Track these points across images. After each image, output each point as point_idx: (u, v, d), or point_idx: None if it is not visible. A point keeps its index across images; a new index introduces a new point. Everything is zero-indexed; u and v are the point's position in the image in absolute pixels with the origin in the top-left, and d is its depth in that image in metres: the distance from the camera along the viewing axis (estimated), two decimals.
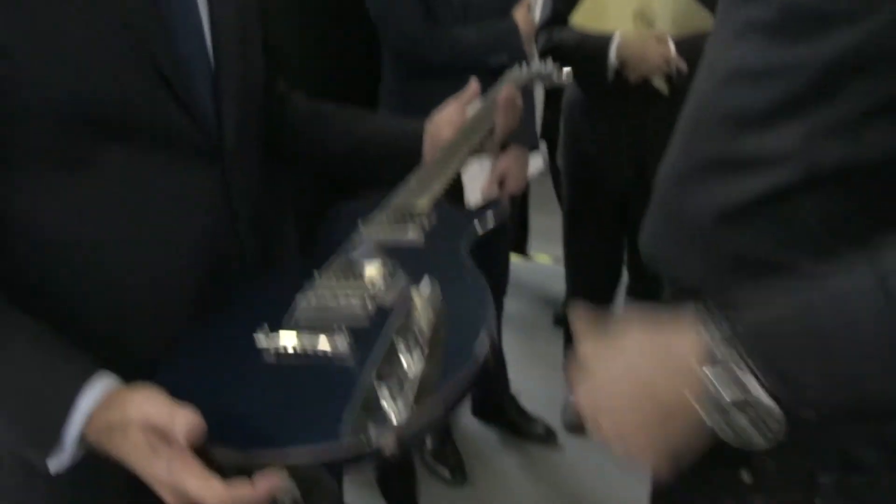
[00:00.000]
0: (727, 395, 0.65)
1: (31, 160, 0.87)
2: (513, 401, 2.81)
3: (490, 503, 2.50)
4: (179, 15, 0.94)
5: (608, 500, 2.44)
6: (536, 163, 2.35)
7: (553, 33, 2.19)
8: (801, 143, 0.74)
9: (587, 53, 2.13)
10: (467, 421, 2.86)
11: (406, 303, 0.84)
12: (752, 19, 0.79)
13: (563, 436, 2.76)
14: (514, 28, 2.12)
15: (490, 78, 1.59)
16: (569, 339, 2.86)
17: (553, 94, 2.36)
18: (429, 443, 2.64)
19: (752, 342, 0.65)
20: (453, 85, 1.80)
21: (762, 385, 0.65)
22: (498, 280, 2.56)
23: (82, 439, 0.79)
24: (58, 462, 0.81)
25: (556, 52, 2.17)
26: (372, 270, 0.92)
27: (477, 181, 2.11)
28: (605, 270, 2.63)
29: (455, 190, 1.74)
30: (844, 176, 0.72)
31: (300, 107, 1.26)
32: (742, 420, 0.66)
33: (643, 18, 2.14)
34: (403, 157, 1.20)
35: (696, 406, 0.67)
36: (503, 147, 2.26)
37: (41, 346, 0.84)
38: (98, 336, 0.92)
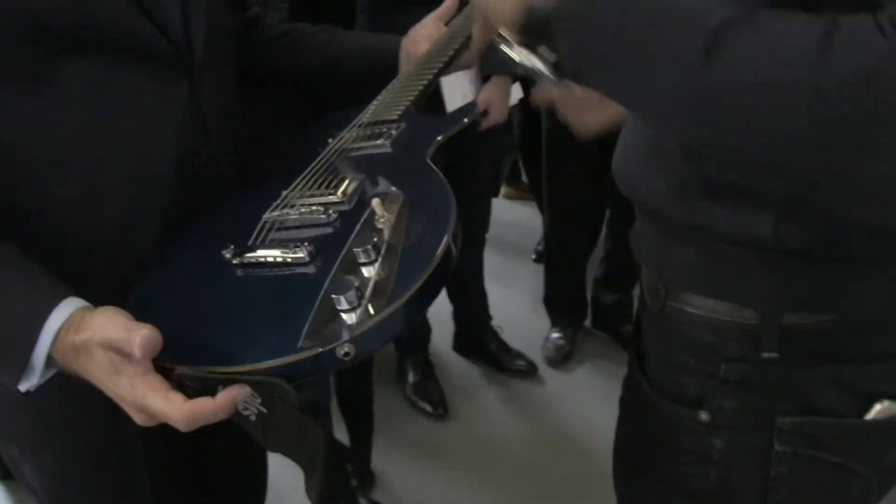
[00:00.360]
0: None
1: None
2: (494, 335, 2.81)
3: (473, 437, 2.52)
4: None
5: (589, 431, 2.46)
6: (517, 92, 2.30)
7: None
8: None
9: None
10: (449, 356, 2.87)
11: (367, 209, 0.83)
12: None
13: (544, 370, 2.77)
14: None
15: None
16: (549, 274, 2.85)
17: None
18: (411, 377, 2.64)
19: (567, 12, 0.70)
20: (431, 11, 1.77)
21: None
22: (478, 215, 2.54)
23: (50, 360, 0.79)
24: (27, 382, 0.81)
25: None
26: (338, 182, 0.91)
27: (456, 90, 2.08)
28: (588, 204, 2.61)
29: (434, 102, 1.70)
30: None
31: (273, 26, 1.23)
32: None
33: None
34: (378, 73, 1.18)
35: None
36: (485, 79, 2.22)
37: (10, 267, 0.83)
38: (69, 252, 0.92)
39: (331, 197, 0.88)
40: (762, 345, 0.79)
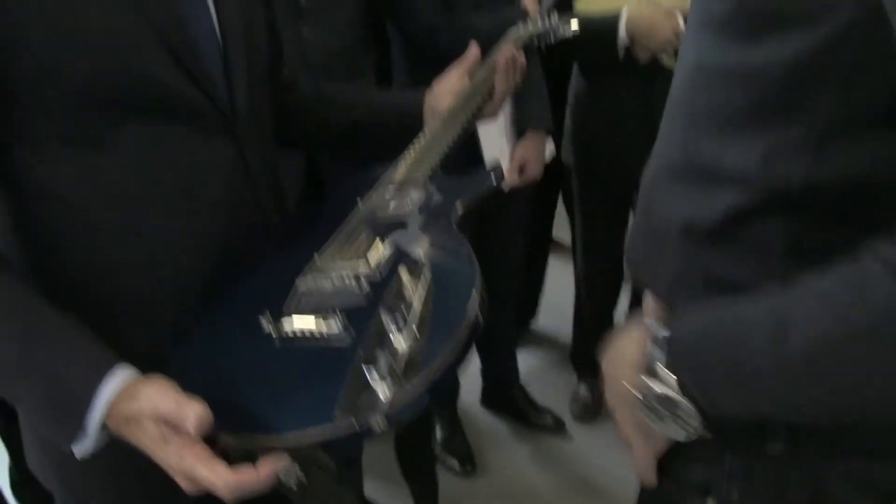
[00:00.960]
0: (655, 392, 0.74)
1: (50, 138, 0.89)
2: (522, 391, 2.81)
3: (501, 493, 2.51)
4: (189, 4, 0.96)
5: (617, 488, 2.44)
6: (551, 147, 2.34)
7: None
8: (760, 162, 0.70)
9: (596, 33, 2.13)
10: (477, 411, 2.87)
11: (396, 279, 0.86)
12: (712, 11, 0.74)
13: (572, 425, 2.77)
14: (524, 14, 2.13)
15: None
16: (577, 330, 2.86)
17: (555, 91, 2.35)
18: (439, 433, 2.64)
19: (674, 348, 0.73)
20: None
21: (681, 387, 0.72)
22: (509, 270, 2.56)
23: (104, 427, 0.83)
24: (82, 448, 0.84)
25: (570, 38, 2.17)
26: (367, 248, 0.94)
27: (493, 143, 2.12)
28: (617, 262, 2.62)
29: (470, 152, 1.71)
30: (806, 198, 0.69)
31: (304, 90, 1.27)
32: (667, 414, 0.74)
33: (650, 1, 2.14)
34: (404, 129, 1.20)
35: (635, 400, 0.76)
36: (520, 133, 2.27)
37: (63, 330, 0.86)
38: (115, 311, 0.95)
39: (361, 266, 0.91)
40: (768, 437, 0.77)
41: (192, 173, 0.97)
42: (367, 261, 0.92)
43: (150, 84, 0.91)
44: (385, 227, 1.00)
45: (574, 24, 1.56)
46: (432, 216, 1.01)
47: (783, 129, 0.68)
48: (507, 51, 1.25)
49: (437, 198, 1.04)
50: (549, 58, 2.27)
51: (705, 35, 0.76)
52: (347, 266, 0.92)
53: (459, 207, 1.02)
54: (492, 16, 2.08)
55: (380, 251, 0.93)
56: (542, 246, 3.15)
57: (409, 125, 1.21)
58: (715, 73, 0.74)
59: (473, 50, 1.27)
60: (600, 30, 2.12)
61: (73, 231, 0.93)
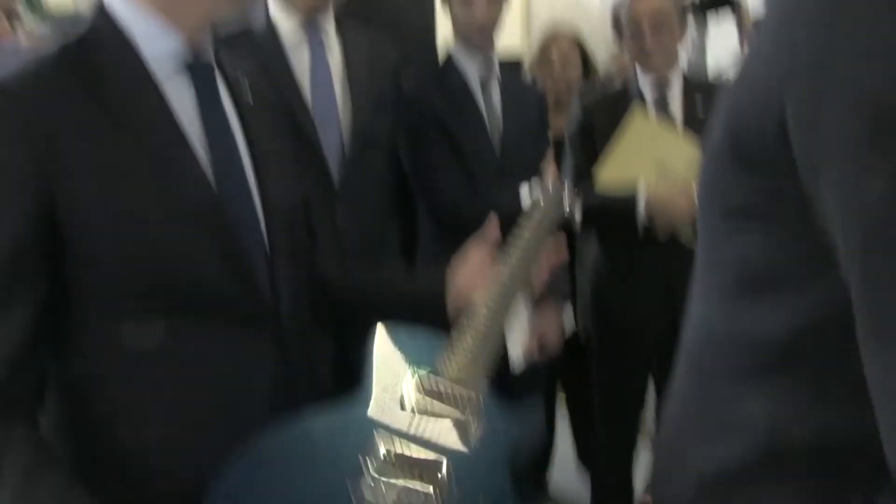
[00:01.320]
0: None
1: (103, 334, 0.98)
2: None
3: None
4: (238, 203, 1.07)
5: None
6: (569, 316, 2.38)
7: (579, 194, 2.26)
8: (766, 419, 0.73)
9: (615, 210, 2.19)
10: None
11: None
12: (715, 281, 0.79)
13: None
14: (545, 189, 2.17)
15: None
16: (595, 483, 2.81)
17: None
18: None
19: None
20: None
21: None
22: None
23: None
24: None
25: (583, 209, 2.23)
26: (423, 472, 0.96)
27: (516, 334, 2.15)
28: (633, 426, 2.61)
29: None
30: (810, 458, 0.71)
31: (336, 282, 1.34)
32: None
33: (665, 173, 2.21)
34: (427, 320, 1.23)
35: None
36: (537, 302, 2.29)
37: None
38: (156, 496, 1.01)
39: (420, 485, 0.94)
40: None
41: (237, 370, 1.05)
42: (424, 484, 0.94)
43: (202, 290, 1.01)
44: (437, 452, 1.00)
45: (578, 215, 1.61)
46: (482, 462, 1.01)
47: (787, 386, 0.72)
48: (558, 251, 1.30)
49: (485, 434, 1.04)
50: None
51: (708, 301, 0.81)
52: (408, 488, 0.94)
53: (508, 454, 1.04)
54: (514, 188, 2.14)
55: (434, 483, 0.95)
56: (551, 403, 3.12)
57: (434, 313, 1.26)
58: (722, 336, 0.79)
59: (492, 227, 1.32)
60: (620, 206, 2.18)
61: (117, 420, 0.99)
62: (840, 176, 0.58)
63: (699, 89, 2.37)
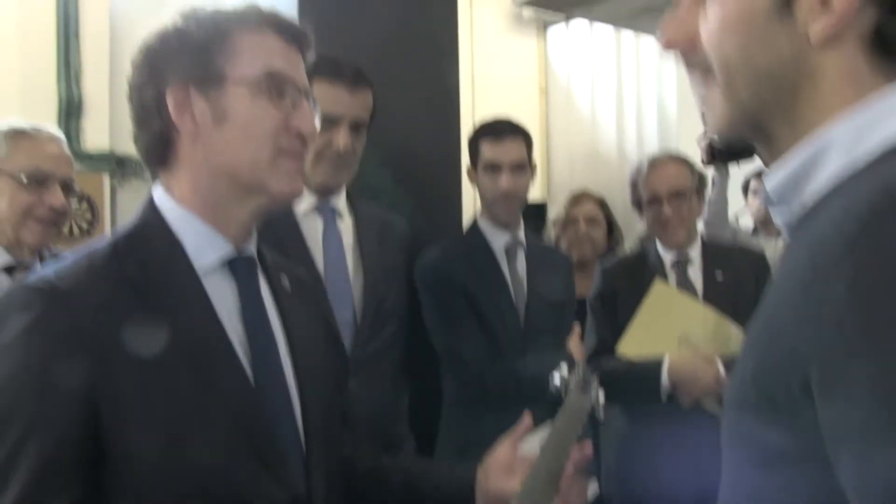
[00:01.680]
0: None
1: None
2: None
3: None
4: (275, 400, 1.11)
5: None
6: (594, 488, 2.35)
7: (601, 362, 2.27)
8: None
9: (639, 379, 2.20)
10: None
11: None
12: (740, 455, 0.79)
13: None
14: (569, 361, 2.20)
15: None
16: None
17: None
18: None
19: None
20: (515, 413, 1.89)
21: None
22: None
23: None
24: None
25: (606, 380, 2.23)
26: None
27: None
28: None
29: None
30: None
31: (359, 467, 1.33)
32: None
33: (688, 344, 2.23)
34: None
35: None
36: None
37: None
38: None
39: None
40: None
41: None
42: None
43: (238, 489, 1.02)
44: None
45: (601, 398, 1.64)
46: None
47: None
48: (585, 451, 1.32)
49: None
50: None
51: (736, 469, 0.80)
52: None
53: None
54: (537, 360, 2.17)
55: None
56: None
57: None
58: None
59: (526, 421, 1.33)
60: (644, 374, 2.19)
61: None
62: (851, 457, 0.60)
63: (718, 254, 2.42)
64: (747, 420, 0.73)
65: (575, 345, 2.28)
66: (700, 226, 2.54)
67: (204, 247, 1.09)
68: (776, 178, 0.78)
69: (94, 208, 6.62)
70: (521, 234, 2.36)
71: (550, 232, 4.02)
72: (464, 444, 2.22)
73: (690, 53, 0.82)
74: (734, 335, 2.25)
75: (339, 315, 1.87)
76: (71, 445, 0.96)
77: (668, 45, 0.83)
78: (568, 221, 3.19)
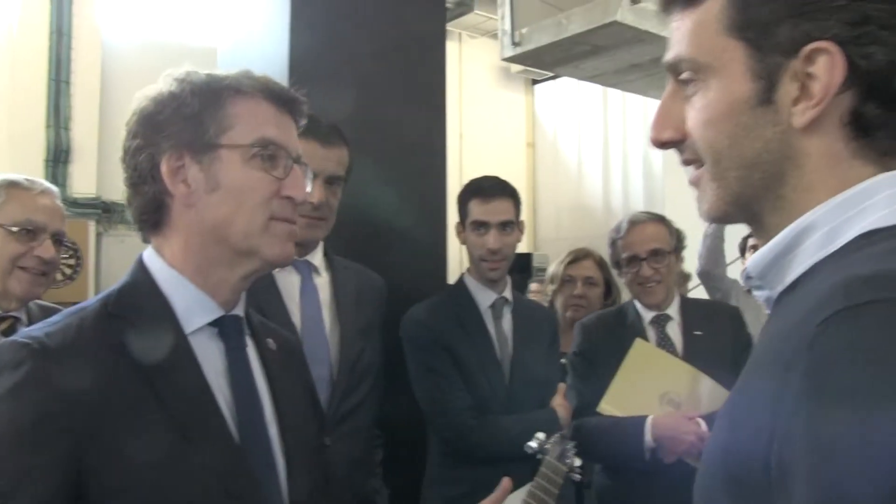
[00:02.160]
0: None
1: None
2: None
3: None
4: (262, 467, 1.10)
5: None
6: None
7: (583, 421, 2.27)
8: None
9: (622, 436, 2.20)
10: None
11: None
12: None
13: None
14: (554, 418, 2.22)
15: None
16: None
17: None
18: None
19: None
20: (498, 470, 1.90)
21: None
22: None
23: None
24: None
25: (589, 438, 2.24)
26: None
27: None
28: None
29: None
30: None
31: None
32: None
33: (669, 401, 2.23)
34: None
35: None
36: None
37: None
38: None
39: None
40: None
41: None
42: None
43: None
44: None
45: (577, 462, 1.67)
46: None
47: None
48: None
49: None
50: None
51: None
52: None
53: None
54: (521, 418, 2.17)
55: None
56: None
57: None
58: None
59: (505, 484, 1.34)
60: (627, 431, 2.19)
61: None
62: None
63: (696, 311, 2.44)
64: (717, 496, 0.74)
65: (560, 402, 2.29)
66: (677, 288, 2.56)
67: (194, 309, 1.10)
68: (757, 258, 0.80)
69: (78, 254, 6.62)
70: (508, 290, 2.38)
71: (540, 286, 4.03)
72: (447, 502, 2.20)
73: (682, 146, 0.83)
74: (714, 391, 2.24)
75: (315, 372, 1.83)
76: (53, 499, 0.95)
77: (656, 141, 0.85)
78: (565, 280, 3.18)
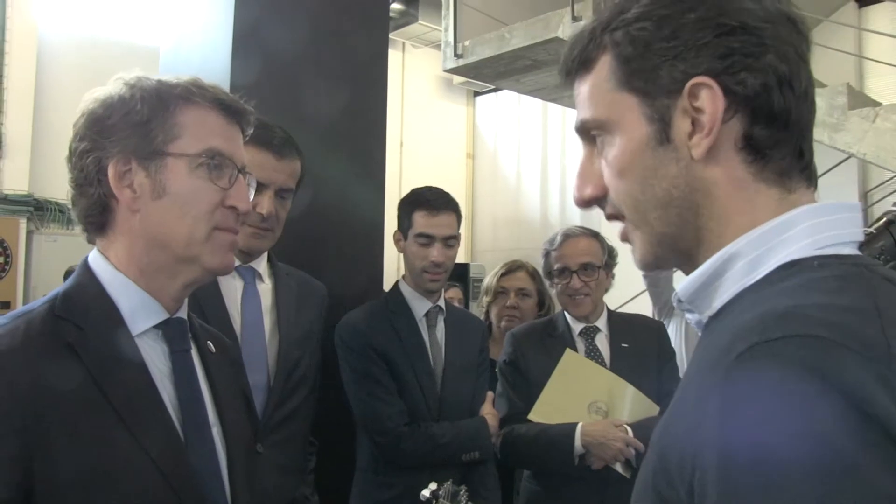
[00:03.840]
0: None
1: None
2: None
3: None
4: (204, 463, 1.12)
5: None
6: None
7: (514, 428, 2.32)
8: None
9: (552, 443, 2.25)
10: None
11: None
12: None
13: None
14: (483, 425, 2.28)
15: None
16: None
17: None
18: None
19: None
20: (427, 475, 1.97)
21: None
22: None
23: None
24: None
25: (519, 444, 2.29)
26: None
27: None
28: None
29: None
30: None
31: None
32: None
33: (597, 410, 2.30)
34: None
35: None
36: None
37: None
38: None
39: None
40: None
41: None
42: None
43: None
44: None
45: None
46: None
47: None
48: None
49: None
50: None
51: None
52: None
53: None
54: (452, 425, 2.21)
55: None
56: None
57: None
58: None
59: None
60: (556, 438, 2.24)
61: None
62: None
63: (623, 324, 2.51)
64: None
65: (488, 411, 2.33)
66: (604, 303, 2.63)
67: (139, 312, 1.10)
68: (686, 285, 0.84)
69: (7, 252, 6.48)
70: (442, 300, 2.42)
71: (478, 299, 4.09)
72: None
73: (604, 202, 0.87)
74: (640, 401, 2.31)
75: (252, 378, 1.86)
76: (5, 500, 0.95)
77: (579, 200, 0.89)
78: (498, 292, 3.24)
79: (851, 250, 0.76)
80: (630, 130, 0.81)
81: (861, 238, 0.78)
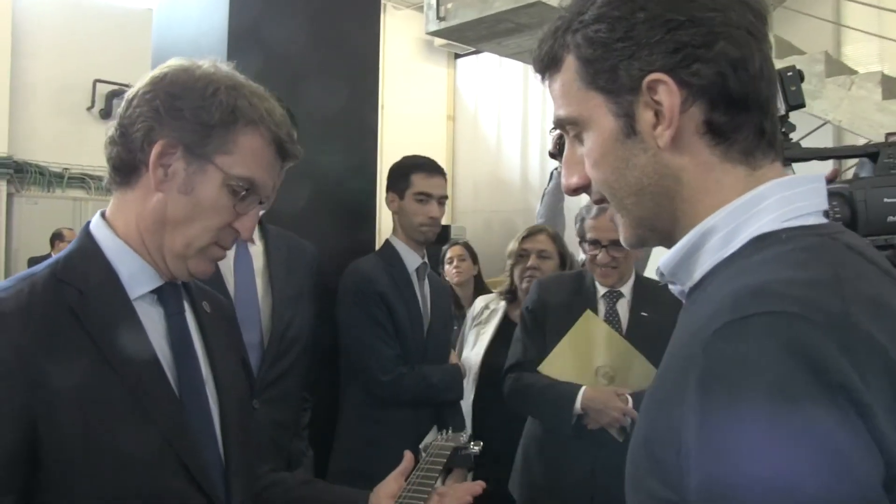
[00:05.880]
0: None
1: None
2: None
3: None
4: (199, 420, 1.19)
5: None
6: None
7: (523, 376, 2.40)
8: None
9: (554, 398, 2.33)
10: None
11: None
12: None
13: None
14: (458, 371, 2.62)
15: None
16: None
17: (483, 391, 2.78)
18: None
19: None
20: (411, 417, 2.25)
21: None
22: None
23: None
24: None
25: (525, 392, 2.41)
26: None
27: None
28: None
29: None
30: None
31: (259, 485, 1.42)
32: None
33: (604, 375, 2.38)
34: None
35: None
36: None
37: None
38: None
39: None
40: None
41: None
42: None
43: (167, 499, 1.09)
44: None
45: (476, 448, 1.89)
46: None
47: None
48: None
49: None
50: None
51: None
52: None
53: None
54: (438, 368, 2.56)
55: None
56: None
57: None
58: None
59: (408, 457, 1.46)
60: (560, 396, 2.32)
61: None
62: None
63: (648, 292, 2.54)
64: (643, 474, 0.81)
65: (454, 361, 2.71)
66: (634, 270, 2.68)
67: (137, 277, 1.16)
68: (666, 259, 0.90)
69: None
70: (425, 256, 2.62)
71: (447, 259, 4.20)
72: (363, 443, 2.39)
73: (590, 189, 0.93)
74: (647, 371, 2.34)
75: (246, 337, 1.89)
76: (7, 461, 1.00)
77: (567, 189, 0.96)
78: (520, 255, 3.29)
79: (817, 219, 0.82)
80: (600, 125, 0.86)
81: (825, 207, 0.83)
